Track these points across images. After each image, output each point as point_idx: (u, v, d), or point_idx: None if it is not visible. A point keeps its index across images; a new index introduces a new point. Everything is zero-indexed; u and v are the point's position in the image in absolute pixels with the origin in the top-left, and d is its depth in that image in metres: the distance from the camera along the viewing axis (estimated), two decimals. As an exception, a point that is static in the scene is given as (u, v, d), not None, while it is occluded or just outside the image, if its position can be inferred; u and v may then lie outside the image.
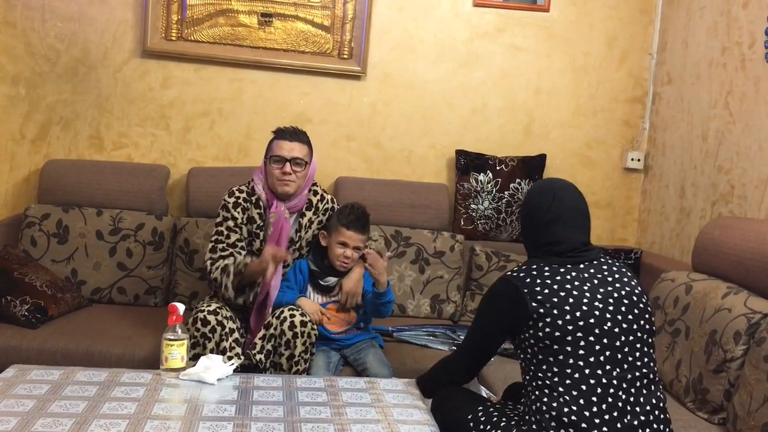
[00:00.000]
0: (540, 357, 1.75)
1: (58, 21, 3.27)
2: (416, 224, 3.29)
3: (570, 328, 1.71)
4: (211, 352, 2.32)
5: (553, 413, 1.69)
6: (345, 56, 3.39)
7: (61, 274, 2.97)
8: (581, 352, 1.71)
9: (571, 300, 1.74)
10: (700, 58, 3.13)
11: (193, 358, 2.16)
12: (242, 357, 2.37)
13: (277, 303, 2.52)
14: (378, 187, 3.32)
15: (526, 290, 1.76)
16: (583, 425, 1.67)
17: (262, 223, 2.59)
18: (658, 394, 1.77)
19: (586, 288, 1.77)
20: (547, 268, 1.80)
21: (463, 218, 3.39)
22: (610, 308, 1.75)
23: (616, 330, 1.74)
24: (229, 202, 2.60)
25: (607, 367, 1.71)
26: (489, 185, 3.37)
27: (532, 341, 1.76)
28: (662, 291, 2.54)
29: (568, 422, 1.67)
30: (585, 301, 1.74)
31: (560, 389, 1.70)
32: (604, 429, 1.67)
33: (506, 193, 3.37)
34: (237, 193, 2.62)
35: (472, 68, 3.50)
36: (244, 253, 2.58)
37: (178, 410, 1.85)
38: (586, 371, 1.70)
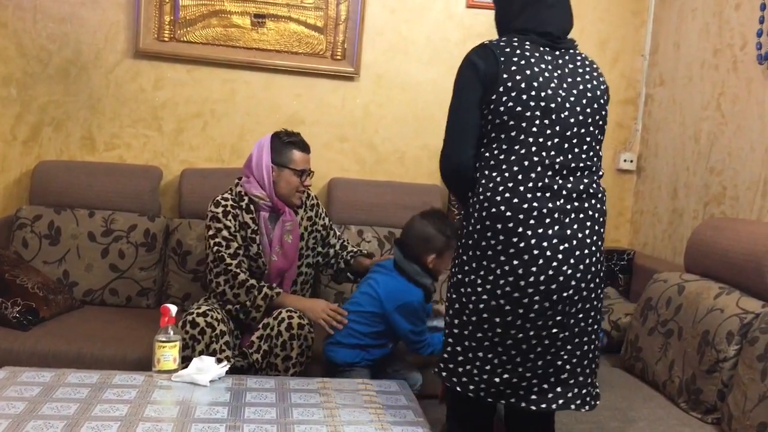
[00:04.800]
0: (493, 135, 1.79)
1: (49, 22, 3.25)
2: (409, 225, 3.29)
3: (532, 104, 1.75)
4: (201, 354, 2.30)
5: (491, 185, 1.75)
6: (338, 57, 3.38)
7: (52, 276, 2.95)
8: (534, 129, 1.76)
9: (540, 79, 1.77)
10: (692, 59, 3.14)
11: (183, 361, 2.15)
12: (233, 360, 2.36)
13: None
14: (371, 189, 3.32)
15: (502, 58, 1.78)
16: (515, 200, 1.73)
17: (256, 227, 2.56)
18: (594, 178, 1.83)
19: (556, 75, 1.80)
20: (527, 44, 1.81)
21: (456, 219, 3.38)
22: (572, 99, 1.79)
23: (572, 120, 1.78)
24: (218, 213, 2.54)
25: (552, 152, 1.76)
26: (482, 186, 3.37)
27: (490, 117, 1.78)
28: (655, 292, 2.55)
29: (503, 191, 1.74)
30: (552, 85, 1.78)
31: (504, 166, 1.76)
32: (534, 204, 1.73)
33: (499, 194, 3.37)
34: (223, 202, 2.56)
35: (465, 69, 3.50)
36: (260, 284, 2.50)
37: (170, 412, 1.84)
38: (533, 148, 1.75)
